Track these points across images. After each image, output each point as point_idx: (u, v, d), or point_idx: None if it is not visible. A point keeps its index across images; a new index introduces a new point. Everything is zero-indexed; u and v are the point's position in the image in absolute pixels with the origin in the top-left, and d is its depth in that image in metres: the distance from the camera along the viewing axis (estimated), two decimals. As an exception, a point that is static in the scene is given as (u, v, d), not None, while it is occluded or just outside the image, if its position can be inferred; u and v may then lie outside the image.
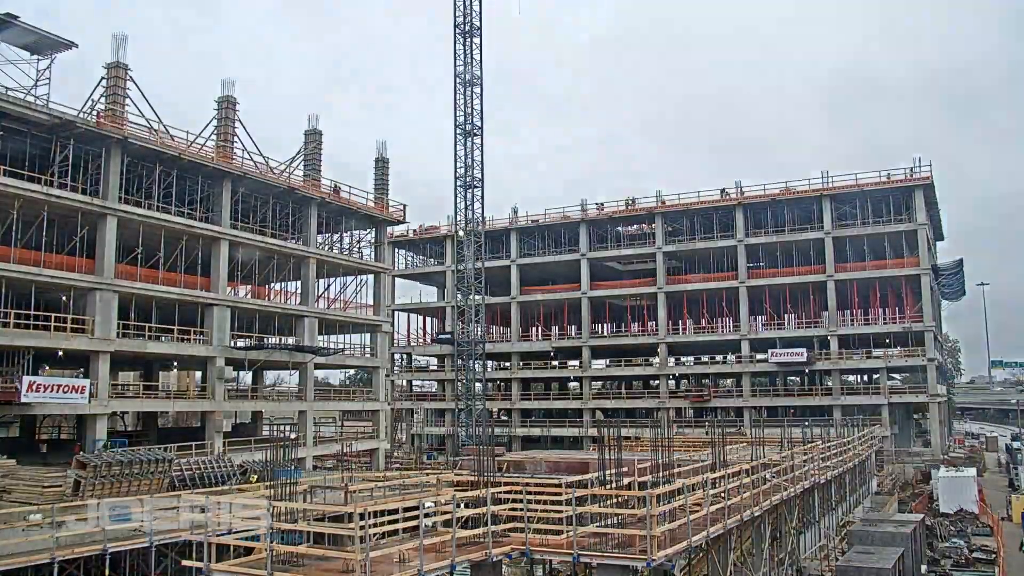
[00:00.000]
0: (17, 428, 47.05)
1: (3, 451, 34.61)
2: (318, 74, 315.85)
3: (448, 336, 68.02)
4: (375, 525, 16.19)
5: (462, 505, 18.61)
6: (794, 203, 65.57)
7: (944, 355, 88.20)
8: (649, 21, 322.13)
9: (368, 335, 54.95)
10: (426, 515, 16.55)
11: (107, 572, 19.87)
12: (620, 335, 76.13)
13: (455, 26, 54.32)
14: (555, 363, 75.84)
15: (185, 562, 17.67)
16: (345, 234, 53.46)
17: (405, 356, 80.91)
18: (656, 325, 69.94)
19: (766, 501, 23.30)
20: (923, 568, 30.26)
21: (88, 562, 19.95)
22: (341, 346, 52.28)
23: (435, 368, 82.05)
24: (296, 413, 49.64)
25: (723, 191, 68.18)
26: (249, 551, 16.88)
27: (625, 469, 22.31)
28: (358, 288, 52.56)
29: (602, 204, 73.18)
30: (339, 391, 73.35)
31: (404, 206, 54.42)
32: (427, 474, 29.39)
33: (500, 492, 18.57)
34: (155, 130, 39.31)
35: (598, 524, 18.33)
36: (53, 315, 34.42)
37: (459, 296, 57.75)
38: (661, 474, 22.29)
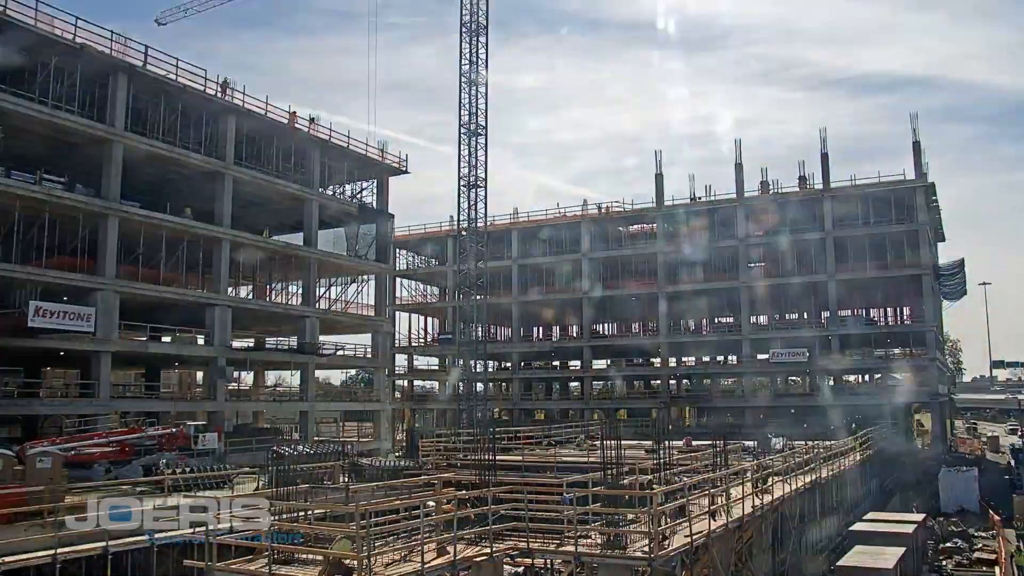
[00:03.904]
0: (18, 428, 47.13)
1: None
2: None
3: (449, 336, 68.03)
4: (376, 525, 16.19)
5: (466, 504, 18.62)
6: (795, 203, 65.54)
7: (945, 355, 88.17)
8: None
9: (369, 335, 55.02)
10: (427, 515, 16.54)
11: (108, 572, 19.88)
12: (621, 335, 76.09)
13: (461, 24, 54.19)
14: (556, 363, 75.81)
15: (186, 562, 17.68)
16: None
17: (406, 356, 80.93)
18: (657, 325, 69.91)
19: (767, 500, 23.31)
20: (924, 568, 30.22)
21: (89, 561, 19.95)
22: (342, 346, 52.28)
23: (436, 368, 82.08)
24: (297, 413, 49.73)
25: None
26: (250, 551, 16.88)
27: (627, 468, 22.36)
28: (359, 288, 52.64)
29: (608, 206, 73.25)
30: (340, 391, 73.44)
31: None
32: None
33: (501, 492, 18.58)
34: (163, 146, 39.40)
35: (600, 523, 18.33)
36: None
37: (460, 296, 57.73)
38: (663, 474, 22.28)
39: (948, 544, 35.32)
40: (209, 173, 42.53)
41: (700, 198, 70.18)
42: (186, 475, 26.58)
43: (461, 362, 57.77)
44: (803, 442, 32.34)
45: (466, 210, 55.32)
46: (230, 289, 45.71)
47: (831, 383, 64.42)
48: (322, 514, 19.58)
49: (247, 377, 50.91)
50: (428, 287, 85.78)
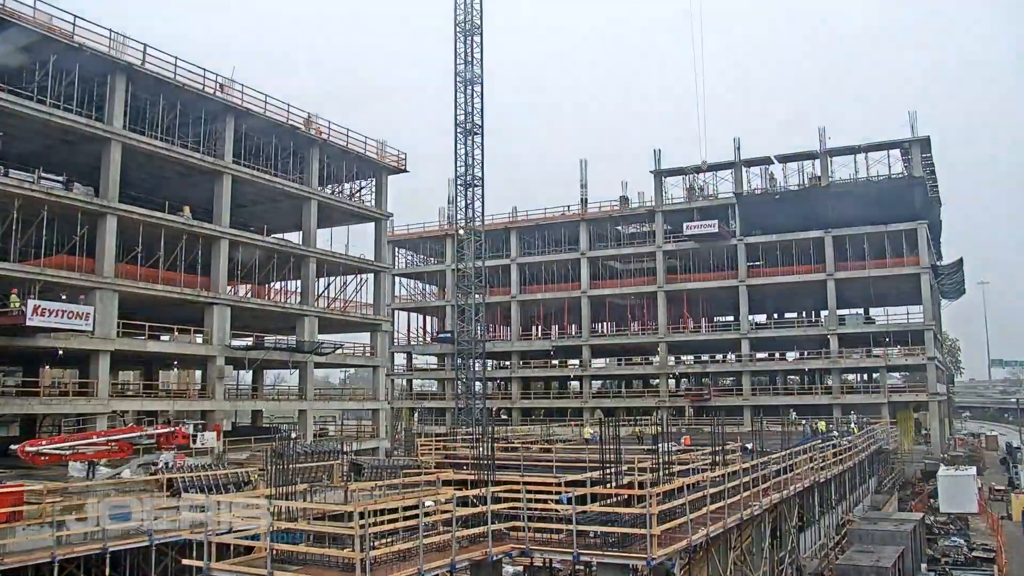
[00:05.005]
0: (17, 427, 47.15)
1: (2, 452, 34.59)
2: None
3: (448, 335, 68.05)
4: (375, 524, 16.20)
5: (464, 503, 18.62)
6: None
7: (944, 354, 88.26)
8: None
9: (368, 334, 54.99)
10: (426, 514, 16.55)
11: (107, 571, 19.88)
12: (620, 334, 76.17)
13: (455, 25, 54.23)
14: (555, 362, 75.92)
15: (185, 561, 17.68)
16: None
17: (405, 355, 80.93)
18: (656, 324, 69.98)
19: (766, 500, 23.33)
20: (923, 567, 30.28)
21: (88, 561, 19.95)
22: (340, 345, 52.25)
23: (435, 367, 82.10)
24: (296, 412, 49.66)
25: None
26: (249, 550, 16.89)
27: (625, 468, 22.37)
28: (358, 287, 52.59)
29: (608, 205, 73.27)
30: (339, 390, 73.43)
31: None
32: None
33: (500, 491, 18.59)
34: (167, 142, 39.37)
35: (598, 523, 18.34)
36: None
37: (459, 295, 57.75)
38: (661, 473, 22.28)
39: (946, 543, 35.39)
40: (208, 172, 42.46)
41: (699, 196, 70.22)
42: (193, 473, 26.51)
43: (460, 361, 57.79)
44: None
45: (463, 209, 55.42)
46: (229, 288, 45.63)
47: (829, 382, 64.50)
48: (321, 513, 19.59)
49: (246, 376, 50.80)
50: (427, 285, 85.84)
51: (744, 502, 21.33)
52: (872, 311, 73.70)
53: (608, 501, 19.62)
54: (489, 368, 69.55)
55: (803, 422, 50.39)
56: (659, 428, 31.09)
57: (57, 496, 20.93)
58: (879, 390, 62.85)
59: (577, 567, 20.38)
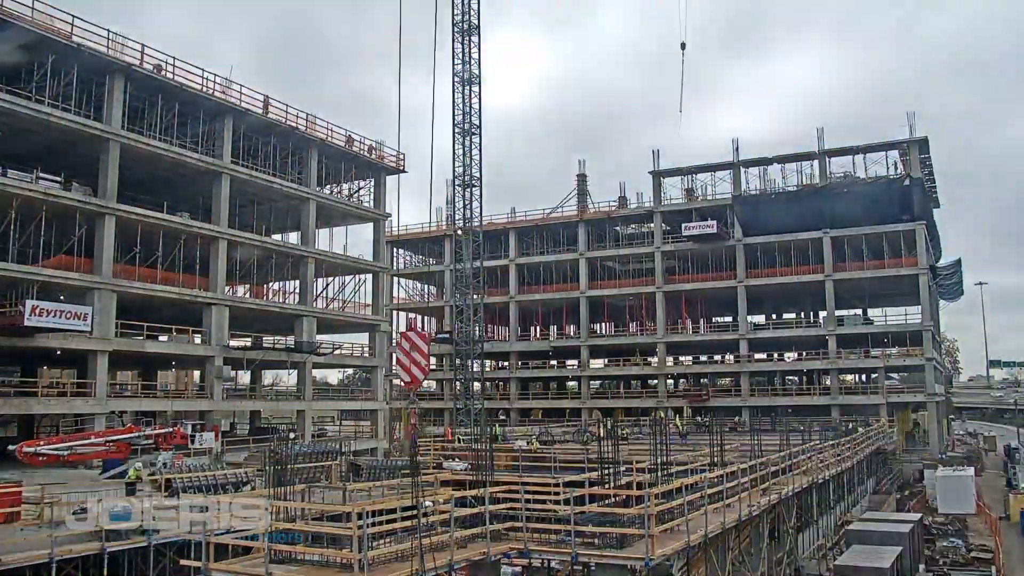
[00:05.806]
0: (15, 427, 47.10)
1: (1, 453, 34.54)
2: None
3: (447, 336, 67.96)
4: (373, 524, 16.19)
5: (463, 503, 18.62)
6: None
7: (942, 355, 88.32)
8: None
9: (367, 334, 55.02)
10: (424, 514, 16.54)
11: (105, 571, 19.85)
12: (619, 335, 76.18)
13: (453, 24, 54.07)
14: (553, 363, 75.88)
15: (183, 561, 17.67)
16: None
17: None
18: (655, 325, 70.00)
19: (764, 500, 23.34)
20: (921, 568, 30.26)
21: (86, 561, 19.92)
22: (339, 345, 52.26)
23: (434, 367, 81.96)
24: (294, 413, 49.67)
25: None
26: (247, 551, 16.88)
27: (624, 468, 22.39)
28: (357, 287, 52.63)
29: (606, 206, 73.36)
30: (338, 390, 73.44)
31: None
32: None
33: (498, 492, 18.59)
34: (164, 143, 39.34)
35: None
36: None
37: (457, 295, 57.67)
38: (659, 473, 22.29)
39: (944, 543, 35.37)
40: (206, 172, 42.49)
41: (698, 197, 70.27)
42: (191, 474, 26.48)
43: (458, 361, 57.72)
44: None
45: (461, 209, 55.29)
46: (227, 288, 45.63)
47: (828, 382, 64.54)
48: (319, 513, 19.57)
49: (244, 376, 50.81)
50: (426, 286, 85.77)
51: (742, 502, 21.34)
52: (870, 312, 73.78)
53: (607, 501, 19.63)
54: (487, 368, 69.51)
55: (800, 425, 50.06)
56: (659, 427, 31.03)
57: (55, 497, 20.93)
58: (877, 391, 62.87)
59: (575, 567, 20.40)
